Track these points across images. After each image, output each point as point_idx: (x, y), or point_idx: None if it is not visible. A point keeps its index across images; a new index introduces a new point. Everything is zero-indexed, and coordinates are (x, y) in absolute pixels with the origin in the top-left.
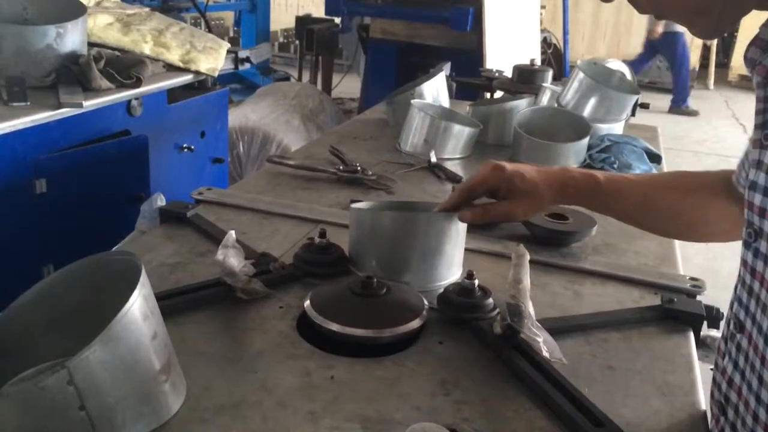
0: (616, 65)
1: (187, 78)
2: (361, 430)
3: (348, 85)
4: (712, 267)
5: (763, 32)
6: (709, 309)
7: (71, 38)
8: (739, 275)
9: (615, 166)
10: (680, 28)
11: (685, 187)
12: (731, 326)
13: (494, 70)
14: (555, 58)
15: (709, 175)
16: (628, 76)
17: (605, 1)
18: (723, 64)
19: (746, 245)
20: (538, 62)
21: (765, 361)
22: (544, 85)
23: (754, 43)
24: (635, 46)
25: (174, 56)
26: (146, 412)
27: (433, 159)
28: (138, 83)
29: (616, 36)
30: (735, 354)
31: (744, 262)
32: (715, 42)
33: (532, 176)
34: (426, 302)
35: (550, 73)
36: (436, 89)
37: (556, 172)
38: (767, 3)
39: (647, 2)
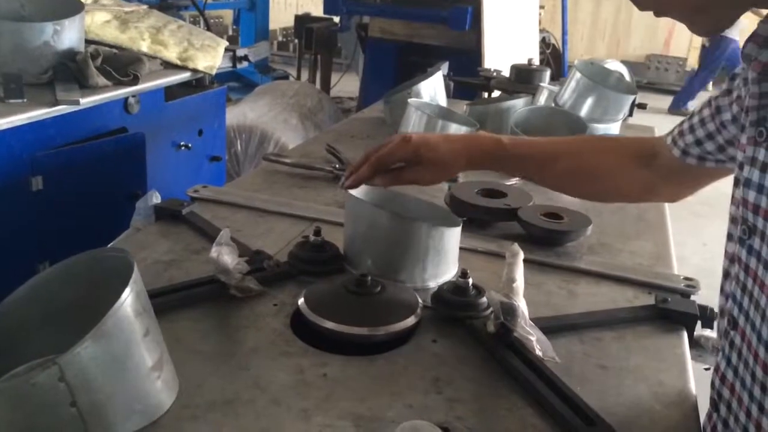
0: (614, 66)
1: (184, 76)
2: (354, 427)
3: (347, 84)
4: (709, 267)
5: (761, 28)
6: (703, 309)
7: (68, 35)
8: (725, 271)
9: None
10: (733, 35)
11: (593, 149)
12: (724, 323)
13: (492, 69)
14: (554, 58)
15: (621, 140)
16: (627, 76)
17: None
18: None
19: (740, 242)
20: (536, 62)
21: (758, 358)
22: (541, 84)
23: (752, 39)
24: (635, 46)
25: (171, 54)
26: (138, 409)
27: None
28: (135, 81)
29: (615, 36)
30: (728, 351)
31: (738, 259)
32: None
33: (436, 143)
34: (420, 300)
35: (547, 73)
36: (433, 88)
37: (463, 137)
38: (765, 1)
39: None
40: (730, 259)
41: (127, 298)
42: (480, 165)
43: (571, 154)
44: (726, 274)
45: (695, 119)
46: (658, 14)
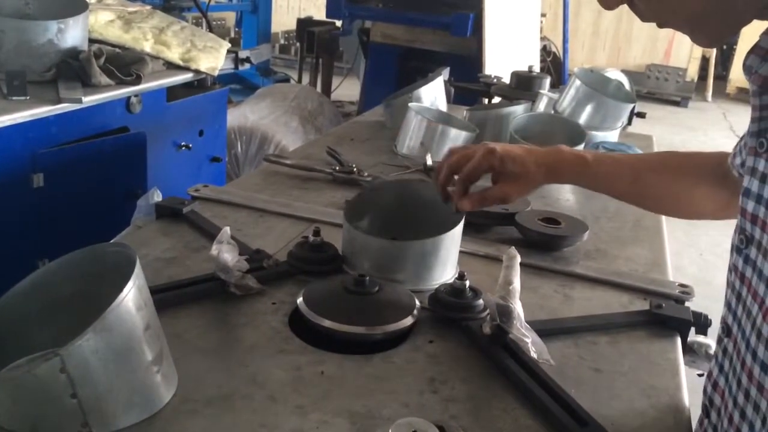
0: (615, 75)
1: (186, 76)
2: (350, 424)
3: (348, 88)
4: (705, 277)
5: (763, 40)
6: (697, 315)
7: (72, 34)
8: (728, 281)
9: None
10: None
11: (673, 168)
12: (719, 330)
13: (492, 76)
14: (554, 66)
15: (700, 157)
16: (626, 85)
17: (607, 8)
18: (722, 77)
19: (737, 251)
20: (536, 69)
21: (745, 365)
22: (541, 91)
23: (754, 51)
24: (635, 56)
25: (174, 54)
26: (138, 402)
27: (429, 162)
28: (138, 80)
29: (615, 46)
30: (721, 357)
31: (734, 268)
32: (714, 54)
33: (523, 158)
34: (417, 301)
35: (547, 80)
36: (434, 93)
37: (547, 152)
38: (766, 13)
39: (649, 10)
40: (730, 268)
41: (129, 292)
42: (561, 180)
43: (655, 173)
44: (728, 285)
45: (743, 140)
46: (660, 25)
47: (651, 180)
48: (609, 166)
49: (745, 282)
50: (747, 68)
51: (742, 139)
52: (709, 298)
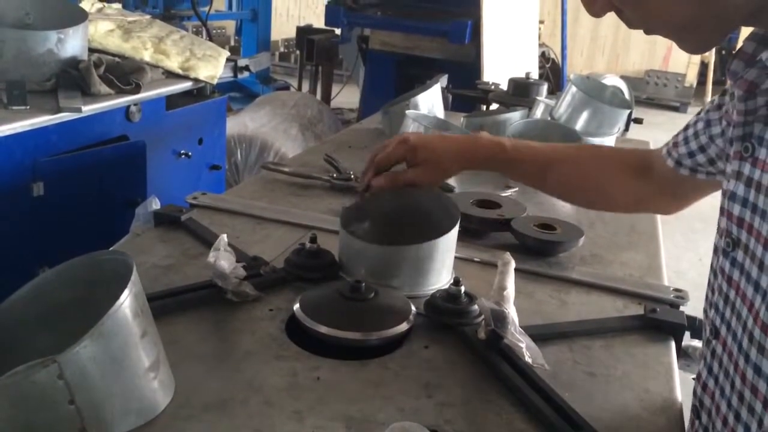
0: (613, 81)
1: (185, 85)
2: (345, 429)
3: (347, 96)
4: (704, 282)
5: (746, 45)
6: (692, 319)
7: (72, 44)
8: (709, 282)
9: None
10: None
11: (589, 159)
12: (707, 332)
13: (490, 82)
14: (553, 72)
15: (621, 152)
16: (625, 91)
17: (594, 15)
18: (720, 82)
19: (724, 254)
20: (534, 76)
21: (737, 367)
22: (538, 98)
23: (738, 56)
24: (634, 62)
25: (173, 63)
26: (135, 408)
27: None
28: (137, 89)
29: (614, 52)
30: (710, 359)
31: (722, 271)
32: (712, 59)
33: (435, 145)
34: (413, 307)
35: (545, 87)
36: (431, 100)
37: (463, 138)
38: (754, 19)
39: (636, 18)
40: (715, 271)
41: (126, 299)
42: (478, 166)
43: (568, 162)
44: (711, 286)
45: (689, 131)
46: (647, 32)
47: (564, 169)
48: (526, 152)
49: (732, 285)
50: (732, 73)
51: (684, 130)
52: None
